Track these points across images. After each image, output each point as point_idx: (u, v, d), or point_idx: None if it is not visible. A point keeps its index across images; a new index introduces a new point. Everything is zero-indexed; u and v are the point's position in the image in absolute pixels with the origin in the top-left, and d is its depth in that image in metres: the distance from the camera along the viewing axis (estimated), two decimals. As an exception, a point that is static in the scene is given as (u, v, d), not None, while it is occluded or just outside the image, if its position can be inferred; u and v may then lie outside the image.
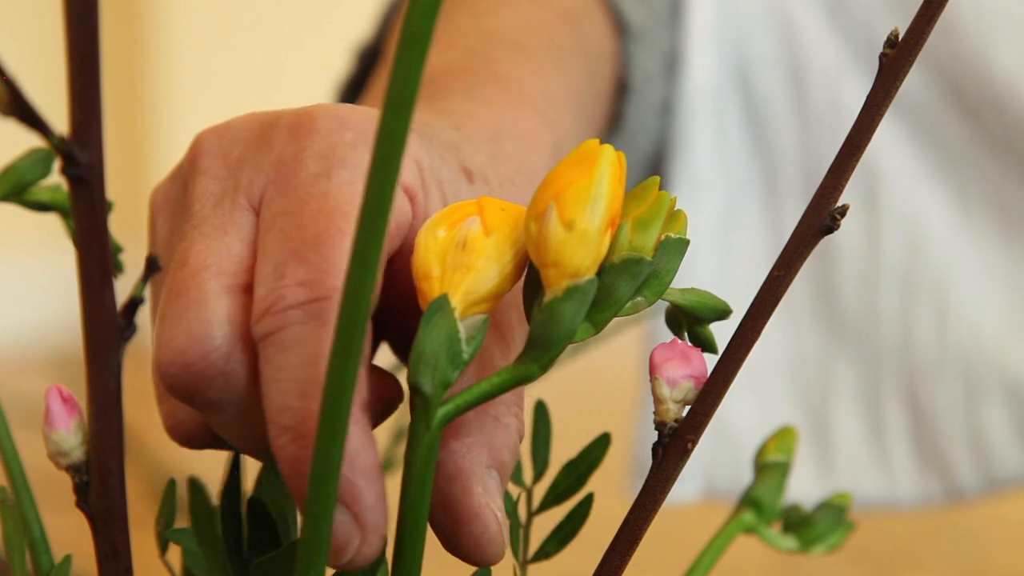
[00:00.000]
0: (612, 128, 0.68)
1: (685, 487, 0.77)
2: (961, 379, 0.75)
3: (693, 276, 0.73)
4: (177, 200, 0.42)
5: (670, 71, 0.72)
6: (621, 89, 0.68)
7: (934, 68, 0.73)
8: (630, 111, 0.69)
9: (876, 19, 0.72)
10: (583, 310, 0.36)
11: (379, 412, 0.41)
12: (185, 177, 0.42)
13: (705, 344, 0.39)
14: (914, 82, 0.73)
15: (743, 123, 0.75)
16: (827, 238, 0.36)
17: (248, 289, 0.39)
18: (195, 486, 0.38)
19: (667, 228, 0.38)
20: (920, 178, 0.74)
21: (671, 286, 0.39)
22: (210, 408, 0.39)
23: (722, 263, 0.75)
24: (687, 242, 0.38)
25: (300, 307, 0.37)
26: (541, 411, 0.43)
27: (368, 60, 0.70)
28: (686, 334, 0.40)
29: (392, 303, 0.41)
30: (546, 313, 0.36)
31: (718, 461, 0.77)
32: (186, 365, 0.38)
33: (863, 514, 0.77)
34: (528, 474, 0.43)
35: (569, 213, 0.35)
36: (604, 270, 0.37)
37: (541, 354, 0.36)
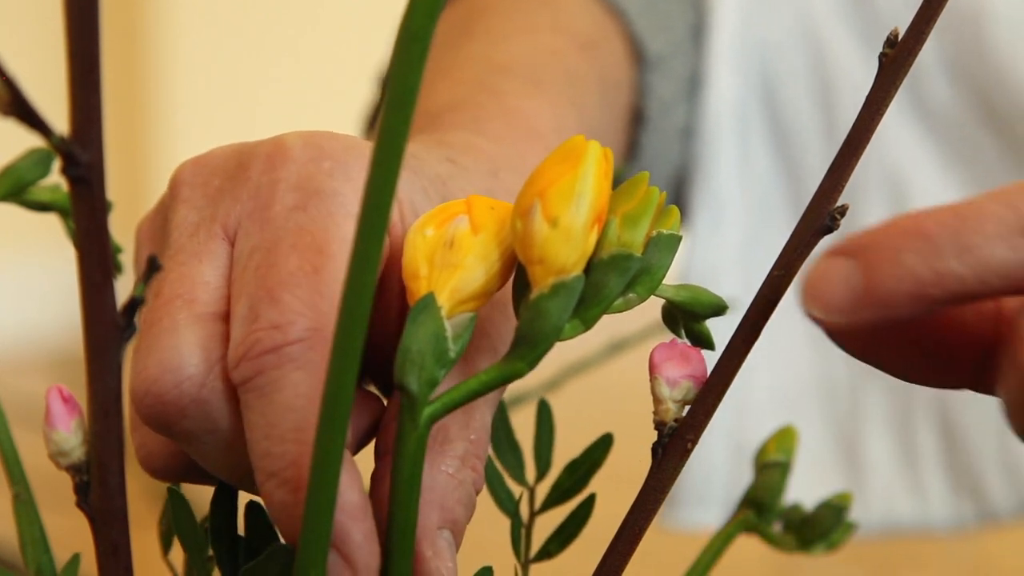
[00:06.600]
0: (628, 157, 0.68)
1: (708, 512, 0.75)
2: (994, 401, 0.74)
3: None
4: (159, 231, 0.42)
5: (691, 94, 0.71)
6: (637, 118, 0.67)
7: (967, 84, 0.72)
8: (645, 140, 0.68)
9: None
10: (569, 307, 0.36)
11: (365, 435, 0.40)
12: (167, 208, 0.42)
13: (702, 340, 0.39)
14: (946, 98, 0.73)
15: (768, 142, 0.74)
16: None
17: (222, 317, 0.39)
18: (176, 498, 0.38)
19: (658, 224, 0.38)
20: (950, 195, 0.73)
21: (666, 282, 0.38)
22: (187, 438, 0.39)
23: (747, 287, 0.74)
24: (679, 238, 0.38)
25: (274, 351, 0.37)
26: (543, 411, 0.43)
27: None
28: (683, 331, 0.40)
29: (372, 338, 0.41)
30: (532, 310, 0.36)
31: (743, 486, 0.76)
32: (159, 395, 0.38)
33: (896, 537, 0.76)
34: (531, 473, 0.43)
35: (553, 210, 0.35)
36: (593, 266, 0.37)
37: (528, 351, 0.36)
